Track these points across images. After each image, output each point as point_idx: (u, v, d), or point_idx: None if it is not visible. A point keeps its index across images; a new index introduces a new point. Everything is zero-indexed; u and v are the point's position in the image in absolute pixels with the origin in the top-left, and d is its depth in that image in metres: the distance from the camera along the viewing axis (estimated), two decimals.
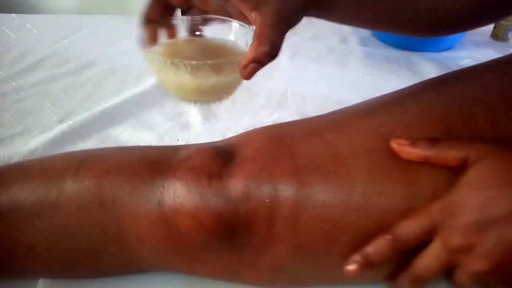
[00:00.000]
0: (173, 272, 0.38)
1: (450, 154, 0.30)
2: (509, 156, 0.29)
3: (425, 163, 0.31)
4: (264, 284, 0.36)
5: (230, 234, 0.31)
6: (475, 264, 0.28)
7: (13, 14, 1.01)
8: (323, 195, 0.31)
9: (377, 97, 0.39)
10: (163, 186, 0.32)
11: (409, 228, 0.29)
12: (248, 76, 0.35)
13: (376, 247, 0.30)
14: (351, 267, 0.30)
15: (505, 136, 0.32)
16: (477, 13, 0.41)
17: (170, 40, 0.40)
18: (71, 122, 0.60)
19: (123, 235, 0.33)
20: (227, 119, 0.63)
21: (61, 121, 0.61)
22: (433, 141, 0.31)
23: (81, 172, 0.34)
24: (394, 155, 0.32)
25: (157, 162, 0.34)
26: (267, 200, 0.31)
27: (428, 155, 0.30)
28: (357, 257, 0.30)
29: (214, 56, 0.38)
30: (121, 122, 0.62)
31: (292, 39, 0.92)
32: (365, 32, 0.97)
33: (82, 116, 0.61)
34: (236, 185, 0.31)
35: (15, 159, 0.52)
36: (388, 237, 0.30)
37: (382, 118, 0.34)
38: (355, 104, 0.39)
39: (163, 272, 0.38)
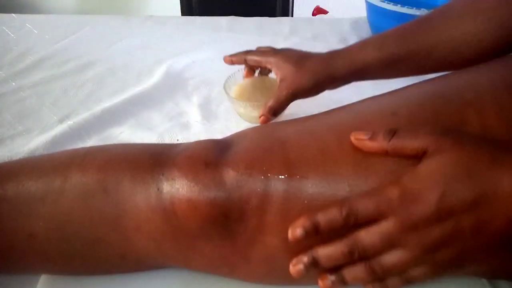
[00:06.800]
0: (171, 266, 0.38)
1: (407, 144, 0.30)
2: (470, 150, 0.29)
3: (385, 155, 0.31)
4: (260, 280, 0.37)
5: (223, 220, 0.32)
6: (422, 244, 0.28)
7: (13, 14, 1.01)
8: (311, 189, 0.31)
9: (371, 97, 0.40)
10: (163, 174, 0.34)
11: (365, 204, 0.29)
12: (261, 123, 0.53)
13: (328, 215, 0.29)
14: (298, 231, 0.29)
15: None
16: (501, 44, 0.42)
17: (246, 80, 0.63)
18: (71, 122, 0.60)
19: (122, 222, 0.34)
20: (227, 119, 0.63)
21: (61, 121, 0.61)
22: (391, 132, 0.31)
23: (86, 162, 0.36)
24: None
25: (158, 153, 0.36)
26: (258, 189, 0.32)
27: (386, 147, 0.31)
28: (305, 221, 0.30)
29: (267, 92, 0.60)
30: (121, 122, 0.62)
31: (292, 39, 0.92)
32: (365, 32, 0.97)
33: (82, 116, 0.61)
34: (229, 173, 0.33)
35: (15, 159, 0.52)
36: (343, 208, 0.29)
37: (372, 117, 0.35)
38: (349, 104, 0.40)
39: (163, 273, 0.39)
